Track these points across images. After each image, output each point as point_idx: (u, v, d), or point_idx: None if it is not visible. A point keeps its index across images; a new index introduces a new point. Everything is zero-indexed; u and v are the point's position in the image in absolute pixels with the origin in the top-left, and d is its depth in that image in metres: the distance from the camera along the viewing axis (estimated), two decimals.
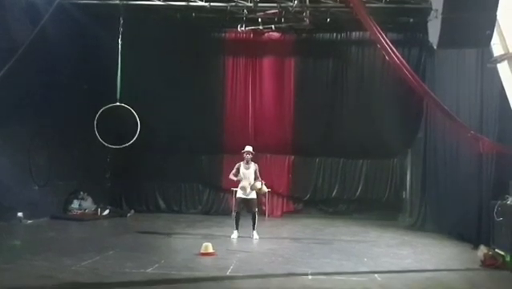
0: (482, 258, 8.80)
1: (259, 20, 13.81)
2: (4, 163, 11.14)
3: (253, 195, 10.91)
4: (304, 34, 14.55)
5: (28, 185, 12.38)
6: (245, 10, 13.22)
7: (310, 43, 14.67)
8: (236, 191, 11.33)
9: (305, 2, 12.53)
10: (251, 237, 10.81)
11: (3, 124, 11.13)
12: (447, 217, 12.22)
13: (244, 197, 10.84)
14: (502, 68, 8.18)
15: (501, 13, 6.56)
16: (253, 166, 10.97)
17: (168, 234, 11.20)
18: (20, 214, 11.79)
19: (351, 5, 9.28)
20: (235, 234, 10.85)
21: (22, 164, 12.11)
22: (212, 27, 14.50)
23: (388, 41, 8.24)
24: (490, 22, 6.25)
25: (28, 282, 6.83)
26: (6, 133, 11.48)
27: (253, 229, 10.90)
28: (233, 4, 12.75)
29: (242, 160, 11.00)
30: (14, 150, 11.69)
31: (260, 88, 14.90)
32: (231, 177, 11.00)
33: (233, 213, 11.14)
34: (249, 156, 10.97)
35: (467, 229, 10.89)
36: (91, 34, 12.80)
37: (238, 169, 10.93)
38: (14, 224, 11.51)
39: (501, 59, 8.05)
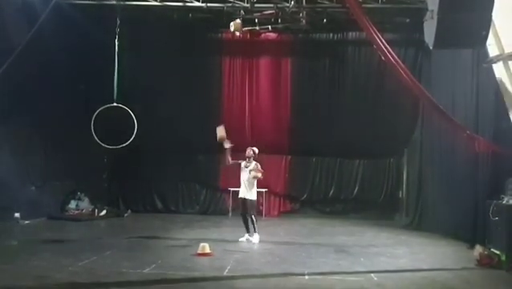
0: (478, 258, 8.84)
1: (256, 21, 13.82)
2: (1, 163, 11.14)
3: (250, 196, 10.74)
4: (301, 35, 14.55)
5: (25, 186, 12.39)
6: (241, 11, 13.23)
7: (306, 44, 14.67)
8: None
9: (301, 2, 12.56)
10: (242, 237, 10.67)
11: (0, 124, 11.12)
12: (443, 216, 12.25)
13: (241, 196, 10.78)
14: (498, 68, 8.25)
15: (496, 14, 6.60)
16: (253, 165, 10.76)
17: (165, 235, 11.19)
18: (17, 215, 11.78)
19: (348, 5, 9.31)
20: (245, 237, 10.62)
21: (19, 165, 12.07)
22: (209, 28, 14.49)
23: (384, 41, 8.29)
24: (486, 22, 6.30)
25: (25, 282, 6.83)
26: (4, 133, 11.49)
27: (247, 231, 10.69)
28: (230, 5, 12.79)
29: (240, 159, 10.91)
30: (11, 150, 11.70)
31: (257, 88, 14.91)
32: (228, 154, 10.66)
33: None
34: (251, 154, 10.81)
35: (463, 229, 10.92)
36: (88, 35, 12.78)
37: (239, 164, 10.81)
38: (12, 224, 11.51)
39: (496, 59, 8.12)
